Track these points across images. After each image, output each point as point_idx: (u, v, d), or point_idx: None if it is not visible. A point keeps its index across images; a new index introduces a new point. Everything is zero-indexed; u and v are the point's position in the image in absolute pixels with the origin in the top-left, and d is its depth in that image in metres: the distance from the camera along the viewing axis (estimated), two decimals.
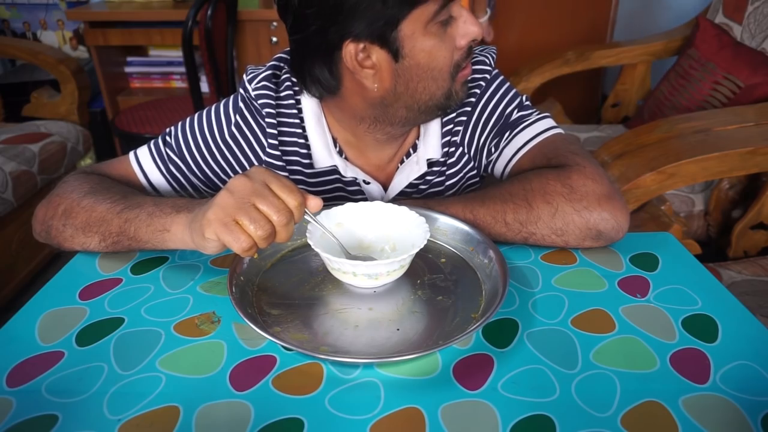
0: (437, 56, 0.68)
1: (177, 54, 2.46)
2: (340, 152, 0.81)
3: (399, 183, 0.83)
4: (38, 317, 0.61)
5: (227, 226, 0.55)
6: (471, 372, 0.53)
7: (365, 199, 0.83)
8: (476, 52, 0.83)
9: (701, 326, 0.59)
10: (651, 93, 1.93)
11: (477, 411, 0.49)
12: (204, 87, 2.11)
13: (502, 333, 0.58)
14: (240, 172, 0.80)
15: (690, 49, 1.77)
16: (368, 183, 0.82)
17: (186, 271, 0.69)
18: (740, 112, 1.30)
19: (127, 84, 2.58)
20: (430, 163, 0.83)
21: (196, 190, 0.83)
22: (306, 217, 0.60)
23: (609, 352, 0.56)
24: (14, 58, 2.43)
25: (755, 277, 1.15)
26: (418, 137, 0.82)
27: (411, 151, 0.83)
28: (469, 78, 0.81)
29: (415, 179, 0.83)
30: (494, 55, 0.84)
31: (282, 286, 0.65)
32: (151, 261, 0.71)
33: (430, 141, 0.81)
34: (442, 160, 0.83)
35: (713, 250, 1.49)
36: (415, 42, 0.66)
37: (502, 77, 0.83)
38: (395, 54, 0.67)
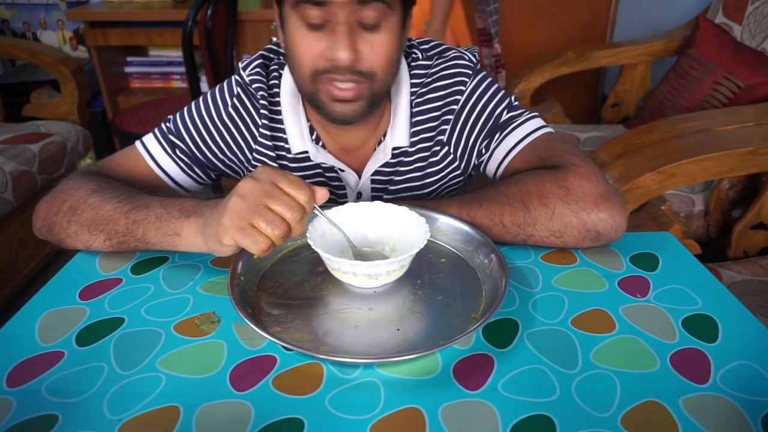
0: (295, 45, 0.70)
1: (177, 54, 2.46)
2: (317, 140, 0.82)
3: (368, 171, 0.84)
4: (38, 317, 0.61)
5: (244, 231, 0.56)
6: (471, 372, 0.53)
7: (342, 186, 0.85)
8: (459, 50, 0.83)
9: (701, 326, 0.59)
10: (651, 93, 1.93)
11: (477, 411, 0.49)
12: (204, 87, 2.11)
13: (502, 333, 0.58)
14: (238, 153, 0.83)
15: (690, 49, 1.77)
16: (342, 171, 0.83)
17: (186, 271, 0.69)
18: (740, 112, 1.30)
19: (127, 84, 2.58)
20: (400, 153, 0.83)
21: (206, 175, 0.86)
22: (314, 211, 0.61)
23: (609, 352, 0.56)
24: (14, 58, 2.43)
25: (755, 277, 1.15)
26: (389, 125, 0.83)
27: (382, 139, 0.84)
28: (453, 73, 0.81)
29: (384, 167, 0.83)
30: (476, 54, 0.84)
31: (282, 286, 0.65)
32: (151, 261, 0.71)
33: (398, 129, 0.82)
34: (411, 150, 0.83)
35: (713, 250, 1.49)
36: (287, 17, 0.70)
37: (483, 73, 0.83)
38: (281, 18, 0.72)
